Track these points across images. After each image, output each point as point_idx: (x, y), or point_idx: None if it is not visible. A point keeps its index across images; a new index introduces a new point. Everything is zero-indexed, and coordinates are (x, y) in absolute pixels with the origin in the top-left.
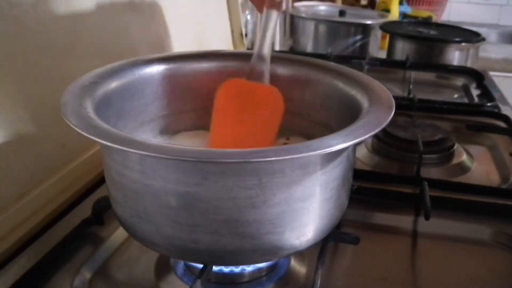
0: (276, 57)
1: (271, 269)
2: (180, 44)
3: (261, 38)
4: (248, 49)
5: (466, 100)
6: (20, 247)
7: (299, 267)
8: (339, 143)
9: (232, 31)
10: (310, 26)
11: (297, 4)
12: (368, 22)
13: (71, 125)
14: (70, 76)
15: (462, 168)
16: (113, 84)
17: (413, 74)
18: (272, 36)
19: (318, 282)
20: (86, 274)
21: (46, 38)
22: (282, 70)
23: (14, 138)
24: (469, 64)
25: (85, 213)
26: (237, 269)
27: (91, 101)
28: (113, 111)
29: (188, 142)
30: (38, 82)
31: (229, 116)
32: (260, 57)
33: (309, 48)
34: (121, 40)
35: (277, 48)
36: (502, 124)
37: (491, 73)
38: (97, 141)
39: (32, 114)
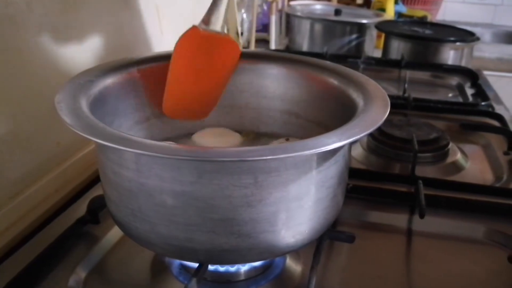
0: (272, 56)
1: (266, 268)
2: (175, 41)
3: (210, 9)
4: (244, 47)
5: (460, 99)
6: (15, 246)
7: (294, 266)
8: (334, 142)
9: (228, 30)
10: (305, 25)
11: (292, 3)
12: (364, 21)
13: (66, 124)
14: (65, 74)
15: (457, 167)
16: (108, 82)
17: (408, 73)
18: (224, 8)
19: (314, 280)
20: (81, 273)
21: (41, 36)
22: (278, 69)
23: (8, 136)
24: (463, 64)
25: (80, 212)
26: (232, 268)
27: (86, 100)
28: (108, 109)
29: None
30: (33, 79)
31: (184, 66)
32: (206, 23)
33: (305, 47)
34: (116, 38)
35: (272, 47)
36: (496, 123)
37: (486, 72)
38: (92, 140)
39: (26, 112)
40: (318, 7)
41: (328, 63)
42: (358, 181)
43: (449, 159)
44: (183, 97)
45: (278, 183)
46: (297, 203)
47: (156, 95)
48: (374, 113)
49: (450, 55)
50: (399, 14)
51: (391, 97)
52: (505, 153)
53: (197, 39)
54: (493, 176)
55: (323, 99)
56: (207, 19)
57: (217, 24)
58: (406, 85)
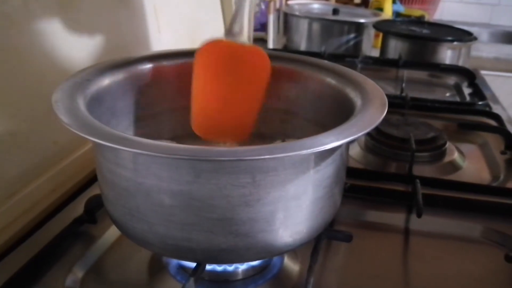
0: (270, 55)
1: (264, 267)
2: (173, 41)
3: (233, 17)
4: None
5: (458, 99)
6: (12, 246)
7: (292, 265)
8: (332, 141)
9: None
10: (303, 24)
11: (290, 2)
12: (362, 20)
13: (64, 123)
14: (62, 73)
15: (454, 166)
16: (106, 81)
17: (405, 73)
18: (248, 15)
19: (311, 280)
20: (78, 273)
21: (37, 34)
22: (276, 68)
23: (4, 136)
24: (461, 63)
25: (77, 211)
26: (230, 268)
27: (83, 99)
28: (105, 108)
29: None
30: (30, 78)
31: (211, 80)
32: (231, 34)
33: (303, 46)
34: (113, 37)
35: (270, 46)
36: (493, 122)
37: (483, 72)
38: (90, 139)
39: (23, 111)
40: (316, 6)
41: (326, 62)
42: (356, 181)
43: (447, 159)
44: (212, 114)
45: (276, 182)
46: (295, 203)
47: (153, 94)
48: (371, 113)
49: (447, 55)
50: (396, 14)
51: (389, 96)
52: (502, 153)
53: (220, 50)
54: (490, 175)
55: (321, 98)
56: (229, 30)
57: (242, 34)
58: (403, 85)
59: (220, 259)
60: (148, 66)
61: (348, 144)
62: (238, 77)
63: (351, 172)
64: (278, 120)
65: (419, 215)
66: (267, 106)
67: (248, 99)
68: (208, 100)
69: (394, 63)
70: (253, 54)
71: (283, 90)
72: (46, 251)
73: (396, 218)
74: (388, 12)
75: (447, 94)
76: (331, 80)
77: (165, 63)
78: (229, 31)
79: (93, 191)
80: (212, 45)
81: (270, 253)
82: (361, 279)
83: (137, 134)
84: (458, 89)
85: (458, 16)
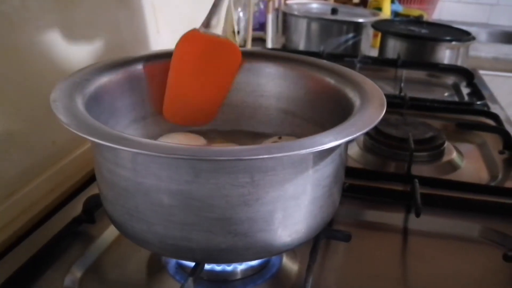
0: (269, 55)
1: (263, 267)
2: (172, 41)
3: (211, 11)
4: (240, 46)
5: (456, 99)
6: (10, 245)
7: (291, 265)
8: (331, 141)
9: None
10: (302, 24)
11: (289, 1)
12: (360, 20)
13: (62, 123)
14: (61, 73)
15: (452, 166)
16: (105, 81)
17: (404, 73)
18: (225, 11)
19: (310, 279)
20: (77, 273)
21: (36, 34)
22: (275, 68)
23: (3, 135)
24: (459, 63)
25: (76, 211)
26: (229, 267)
27: (82, 98)
28: (104, 108)
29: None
30: (29, 78)
31: (183, 68)
32: (206, 27)
33: (302, 46)
34: (112, 36)
35: (269, 45)
36: (491, 122)
37: (481, 71)
38: (88, 139)
39: (22, 110)
40: (315, 6)
41: (324, 62)
42: (355, 180)
43: (445, 158)
44: (183, 101)
45: (274, 182)
46: (294, 202)
47: (152, 94)
48: (370, 112)
49: (446, 55)
50: (395, 13)
51: (388, 96)
52: (500, 152)
53: (196, 41)
54: (489, 175)
55: (319, 98)
56: (206, 22)
57: (218, 28)
58: (402, 84)
59: (219, 259)
60: (147, 65)
61: (347, 143)
62: (209, 67)
63: (350, 171)
64: (277, 119)
65: (417, 215)
66: (266, 106)
67: (216, 87)
68: (179, 86)
69: (393, 63)
70: (225, 46)
71: (282, 90)
72: (44, 250)
73: (394, 218)
74: (386, 12)
75: (446, 94)
76: (330, 80)
77: (164, 62)
78: (206, 23)
79: (92, 190)
80: (188, 36)
81: (269, 252)
82: (360, 278)
83: (135, 133)
84: (456, 89)
85: (456, 16)
